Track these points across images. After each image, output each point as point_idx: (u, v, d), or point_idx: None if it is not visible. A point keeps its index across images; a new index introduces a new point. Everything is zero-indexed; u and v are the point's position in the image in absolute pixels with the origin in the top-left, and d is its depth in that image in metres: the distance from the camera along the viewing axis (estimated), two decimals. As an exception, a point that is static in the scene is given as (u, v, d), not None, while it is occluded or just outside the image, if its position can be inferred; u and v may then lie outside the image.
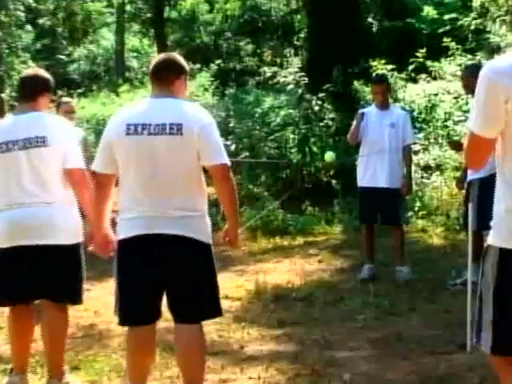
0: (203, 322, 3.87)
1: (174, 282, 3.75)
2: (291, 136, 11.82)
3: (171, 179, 3.68)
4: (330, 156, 8.19)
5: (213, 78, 17.39)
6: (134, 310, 3.81)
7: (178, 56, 4.03)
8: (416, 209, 9.93)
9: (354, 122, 7.11)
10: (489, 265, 2.80)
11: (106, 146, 3.83)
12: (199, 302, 3.77)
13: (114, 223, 3.94)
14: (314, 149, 11.32)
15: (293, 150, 11.66)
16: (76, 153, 4.32)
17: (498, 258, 2.75)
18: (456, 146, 7.20)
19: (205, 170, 3.81)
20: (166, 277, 3.73)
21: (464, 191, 6.70)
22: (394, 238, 7.18)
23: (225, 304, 6.17)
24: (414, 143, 10.74)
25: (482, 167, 3.01)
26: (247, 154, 11.38)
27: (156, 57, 4.06)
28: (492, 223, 2.84)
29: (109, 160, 3.81)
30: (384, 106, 7.12)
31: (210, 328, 5.47)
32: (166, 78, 3.83)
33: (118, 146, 3.75)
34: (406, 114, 7.42)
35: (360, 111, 7.19)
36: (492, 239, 2.82)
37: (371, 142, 7.04)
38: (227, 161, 3.72)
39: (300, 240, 9.48)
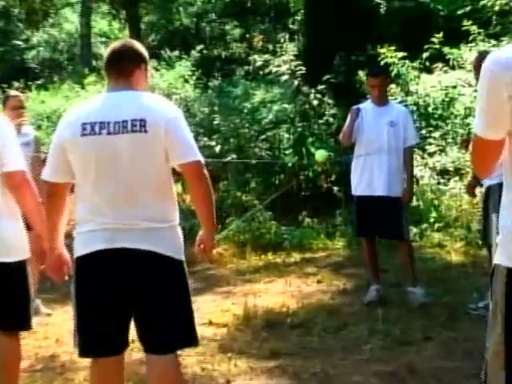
0: (182, 353, 3.87)
1: (142, 306, 3.73)
2: (286, 135, 11.86)
3: (136, 185, 3.68)
4: (321, 155, 8.15)
5: (194, 68, 17.36)
6: (96, 340, 3.79)
7: (136, 43, 4.05)
8: (431, 220, 9.96)
9: (348, 119, 7.15)
10: (497, 286, 2.81)
11: (58, 150, 3.80)
12: (172, 330, 3.75)
13: (70, 237, 3.93)
14: (313, 150, 11.27)
15: (287, 152, 11.70)
16: (14, 153, 4.27)
17: (506, 280, 2.77)
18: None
19: (176, 174, 3.82)
20: (131, 300, 3.72)
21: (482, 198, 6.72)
22: (402, 253, 7.20)
23: (208, 331, 6.19)
24: (430, 144, 10.85)
25: (490, 174, 2.99)
26: (234, 156, 11.39)
27: (111, 44, 4.04)
28: (498, 239, 2.86)
29: (62, 166, 3.79)
30: (381, 101, 7.16)
31: (192, 360, 5.47)
32: (124, 68, 3.84)
33: (72, 150, 3.74)
34: (406, 111, 7.50)
35: (355, 107, 7.19)
36: (499, 257, 2.83)
37: (367, 142, 7.06)
38: (200, 157, 3.72)
39: (296, 256, 9.50)
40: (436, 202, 10.29)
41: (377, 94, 7.13)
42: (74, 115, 3.82)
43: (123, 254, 3.67)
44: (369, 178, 7.05)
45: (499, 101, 2.68)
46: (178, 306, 3.77)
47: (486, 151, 2.81)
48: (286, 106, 12.51)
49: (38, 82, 20.69)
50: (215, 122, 12.40)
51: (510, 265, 2.77)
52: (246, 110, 12.92)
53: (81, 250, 3.76)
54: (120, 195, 3.67)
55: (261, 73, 14.36)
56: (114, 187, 3.67)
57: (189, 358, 5.35)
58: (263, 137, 11.84)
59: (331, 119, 11.77)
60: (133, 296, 3.71)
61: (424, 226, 9.84)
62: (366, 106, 7.23)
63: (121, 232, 3.66)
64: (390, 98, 10.18)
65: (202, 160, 3.74)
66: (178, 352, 3.88)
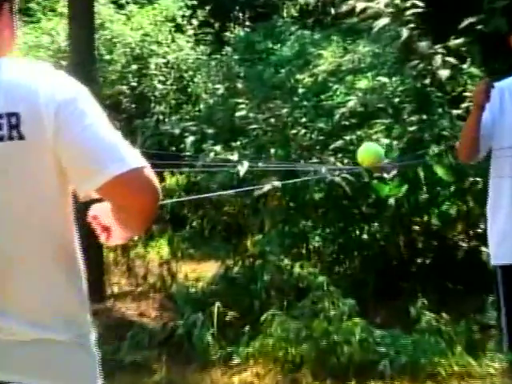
0: None
1: None
2: (384, 140, 11.78)
3: (9, 248, 3.72)
4: (371, 152, 8.09)
5: (194, 1, 17.53)
6: None
7: None
8: None
9: (475, 111, 7.24)
10: None
11: None
12: None
13: None
14: (439, 170, 11.29)
15: (387, 175, 11.60)
16: None
17: None
18: None
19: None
20: None
21: None
22: None
23: None
24: None
25: None
26: (277, 182, 11.33)
27: None
28: None
29: None
30: None
31: None
32: None
33: None
34: None
35: (486, 81, 7.35)
36: None
37: None
38: (138, 163, 3.63)
39: (407, 391, 9.44)
40: None
41: None
42: None
43: None
44: None
45: None
46: None
47: None
48: (383, 79, 12.60)
49: None
50: (238, 114, 12.45)
51: None
52: (301, 89, 13.00)
53: None
54: None
55: (332, 12, 14.39)
56: None
57: None
58: (337, 144, 11.85)
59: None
60: None
61: None
62: (511, 83, 7.39)
63: None
64: None
65: (143, 164, 3.64)
66: None
